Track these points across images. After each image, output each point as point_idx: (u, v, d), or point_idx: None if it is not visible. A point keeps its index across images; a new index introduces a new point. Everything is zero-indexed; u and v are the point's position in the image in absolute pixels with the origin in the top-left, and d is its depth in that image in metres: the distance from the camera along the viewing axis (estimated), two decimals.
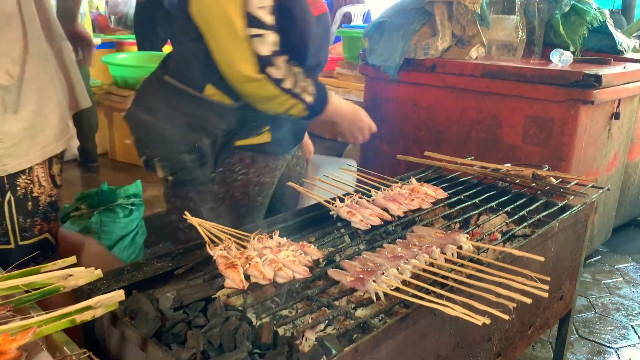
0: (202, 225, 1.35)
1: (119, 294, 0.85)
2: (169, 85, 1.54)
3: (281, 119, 1.59)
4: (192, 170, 1.53)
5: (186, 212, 1.40)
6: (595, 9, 3.28)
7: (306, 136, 2.00)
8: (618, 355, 2.48)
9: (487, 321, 0.99)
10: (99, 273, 0.92)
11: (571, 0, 3.26)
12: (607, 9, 3.77)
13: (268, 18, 1.36)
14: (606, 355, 2.48)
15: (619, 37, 3.33)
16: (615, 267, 3.35)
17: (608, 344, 2.56)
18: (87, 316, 0.80)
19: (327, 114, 1.54)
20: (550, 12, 3.27)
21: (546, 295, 1.09)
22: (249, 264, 1.20)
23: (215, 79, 1.48)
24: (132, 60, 4.12)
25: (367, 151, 3.47)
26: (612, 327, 2.70)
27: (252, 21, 1.35)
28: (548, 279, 1.13)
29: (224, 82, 1.46)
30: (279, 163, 1.69)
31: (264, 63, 1.37)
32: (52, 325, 0.79)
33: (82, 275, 0.88)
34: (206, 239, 1.31)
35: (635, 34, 5.97)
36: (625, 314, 2.82)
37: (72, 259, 0.97)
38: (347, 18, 5.69)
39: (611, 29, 3.31)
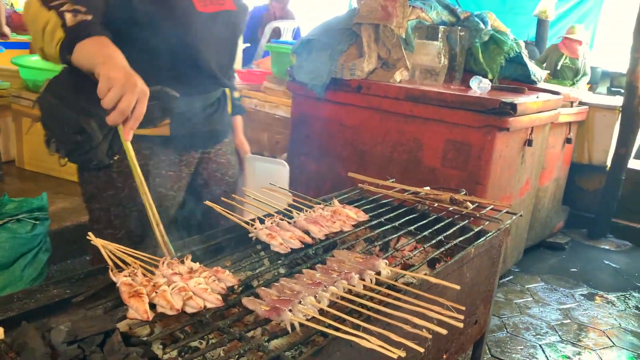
0: (106, 248, 1.25)
1: None
2: (75, 70, 1.47)
3: (183, 114, 1.61)
4: (84, 152, 1.56)
5: (90, 233, 1.30)
6: (512, 40, 3.45)
7: (241, 136, 2.06)
8: None
9: (403, 354, 0.97)
10: None
11: (490, 30, 3.42)
12: (522, 40, 3.98)
13: None
14: None
15: (533, 67, 3.52)
16: (526, 287, 3.50)
17: None
18: None
19: (87, 52, 1.36)
20: (471, 40, 3.40)
21: (461, 325, 1.09)
22: (156, 292, 1.11)
23: None
24: (46, 63, 3.86)
25: (293, 168, 3.43)
26: (522, 347, 2.80)
27: None
28: (463, 308, 1.13)
29: None
30: (183, 159, 1.70)
31: None
32: None
33: None
34: (110, 263, 1.21)
35: (544, 64, 6.40)
36: (534, 333, 2.94)
37: None
38: (277, 33, 5.67)
39: (526, 59, 3.50)
